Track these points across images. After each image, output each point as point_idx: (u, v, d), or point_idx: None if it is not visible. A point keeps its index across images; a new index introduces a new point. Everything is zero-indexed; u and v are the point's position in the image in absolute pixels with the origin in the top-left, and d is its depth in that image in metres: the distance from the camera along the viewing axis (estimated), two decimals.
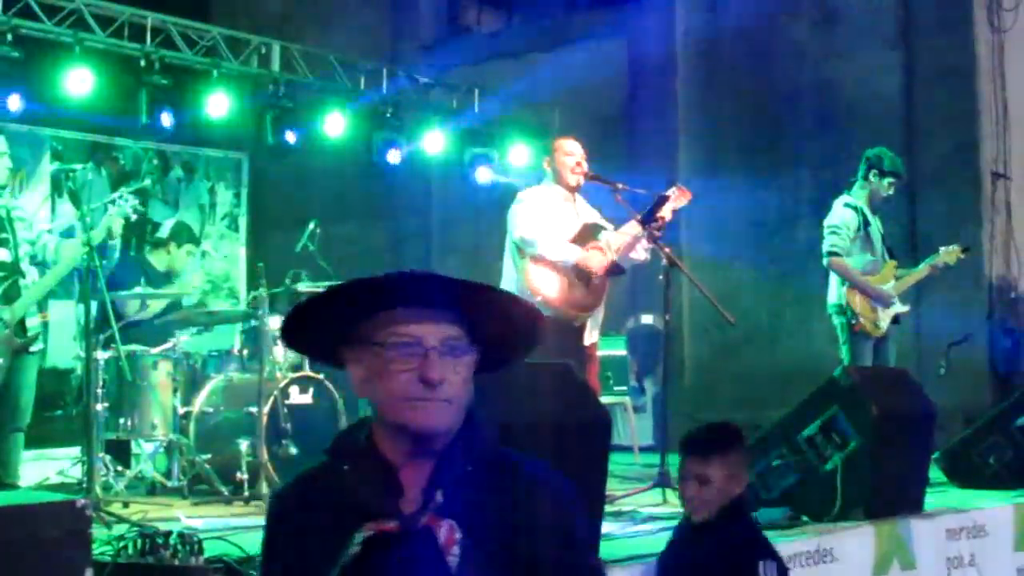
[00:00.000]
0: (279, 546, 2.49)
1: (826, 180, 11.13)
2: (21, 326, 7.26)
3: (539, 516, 2.46)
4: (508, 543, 2.40)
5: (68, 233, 10.58)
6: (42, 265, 7.62)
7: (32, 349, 7.39)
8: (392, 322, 2.40)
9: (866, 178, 8.78)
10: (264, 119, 10.73)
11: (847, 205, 8.74)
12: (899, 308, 8.75)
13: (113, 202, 7.49)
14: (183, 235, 9.60)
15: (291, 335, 2.58)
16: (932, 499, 7.05)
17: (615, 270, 7.62)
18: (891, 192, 8.86)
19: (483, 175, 12.54)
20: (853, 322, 8.52)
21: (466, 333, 2.45)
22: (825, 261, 8.66)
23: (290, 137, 10.78)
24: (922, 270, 8.90)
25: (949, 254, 8.88)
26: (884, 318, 8.63)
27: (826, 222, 8.75)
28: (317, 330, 2.52)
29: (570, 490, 2.56)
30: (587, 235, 7.55)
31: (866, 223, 8.71)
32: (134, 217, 7.68)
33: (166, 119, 9.75)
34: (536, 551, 2.43)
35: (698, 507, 4.63)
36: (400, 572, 2.36)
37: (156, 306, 8.94)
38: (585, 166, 7.68)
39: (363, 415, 2.57)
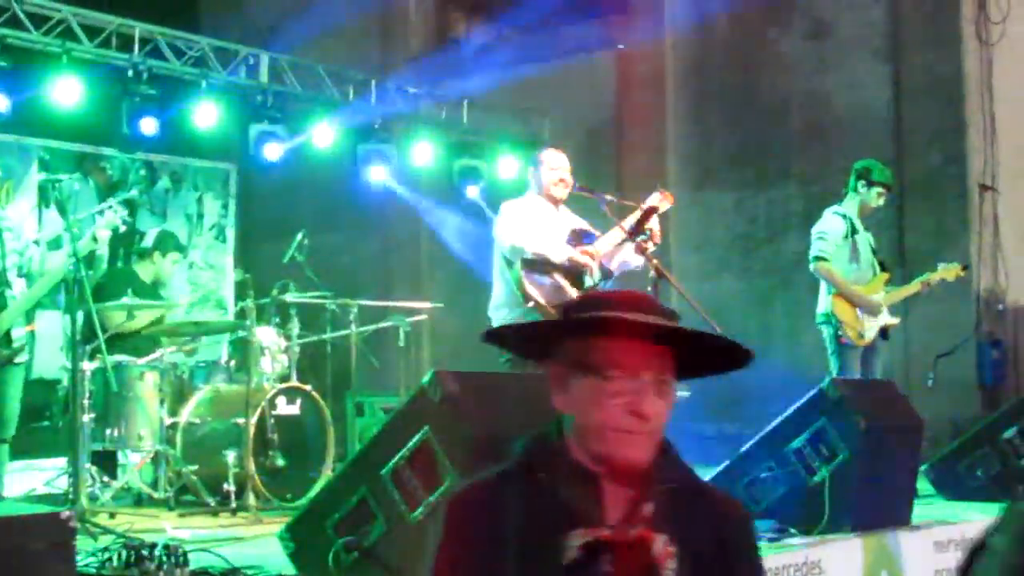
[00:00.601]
0: (464, 550, 2.45)
1: (814, 192, 11.17)
2: (6, 337, 7.22)
3: (733, 539, 2.55)
4: (709, 562, 2.47)
5: (55, 243, 10.55)
6: (28, 277, 7.58)
7: (17, 360, 7.34)
8: (611, 350, 2.44)
9: (855, 189, 8.81)
10: (249, 132, 10.73)
11: (836, 213, 8.79)
12: (888, 320, 8.75)
13: (101, 212, 7.44)
14: (168, 244, 9.53)
15: (502, 337, 2.77)
16: (920, 511, 7.05)
17: (604, 275, 7.63)
18: (880, 203, 8.88)
19: (471, 192, 12.56)
20: (839, 333, 8.53)
21: (675, 364, 2.50)
22: (812, 266, 8.70)
23: (272, 153, 10.76)
24: (913, 285, 8.91)
25: (948, 271, 8.88)
26: (870, 328, 8.63)
27: (814, 229, 8.79)
28: (531, 340, 2.67)
29: (750, 515, 2.69)
30: (575, 241, 7.56)
31: (854, 232, 8.73)
32: (123, 228, 7.64)
33: (148, 126, 9.72)
34: (732, 572, 2.52)
35: None
36: None
37: (142, 319, 8.89)
38: (569, 180, 7.65)
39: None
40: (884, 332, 8.73)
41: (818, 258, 8.66)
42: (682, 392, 2.52)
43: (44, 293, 7.57)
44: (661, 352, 2.46)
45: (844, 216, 8.75)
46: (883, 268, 8.93)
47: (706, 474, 6.32)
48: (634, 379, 2.42)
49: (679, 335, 2.46)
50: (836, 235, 8.69)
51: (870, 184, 8.77)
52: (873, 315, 8.65)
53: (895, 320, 8.83)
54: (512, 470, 2.52)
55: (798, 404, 6.65)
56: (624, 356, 2.43)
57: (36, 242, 8.96)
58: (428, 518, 4.56)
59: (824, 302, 8.68)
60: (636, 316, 2.43)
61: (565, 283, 7.44)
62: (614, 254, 7.62)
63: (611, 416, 2.41)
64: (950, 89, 11.66)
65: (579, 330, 2.48)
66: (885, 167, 8.97)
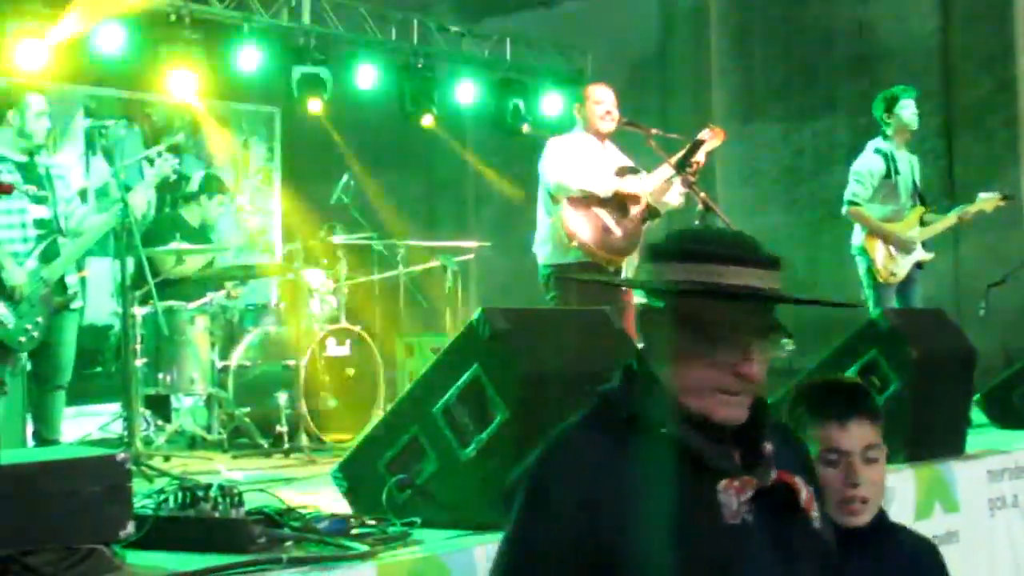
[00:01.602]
0: (579, 512, 2.27)
1: (861, 124, 11.03)
2: (60, 283, 7.28)
3: (814, 471, 2.60)
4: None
5: (103, 191, 10.61)
6: (72, 231, 7.60)
7: (72, 306, 7.42)
8: (718, 313, 2.32)
9: (886, 122, 8.69)
10: (291, 77, 10.74)
11: (876, 151, 8.70)
12: (922, 255, 8.72)
13: (151, 161, 7.46)
14: (213, 186, 9.55)
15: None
16: (973, 440, 7.00)
17: (651, 214, 7.61)
18: (914, 114, 8.71)
19: (526, 128, 12.60)
20: (871, 268, 8.56)
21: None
22: (844, 210, 8.68)
23: (314, 105, 10.80)
24: (950, 218, 8.84)
25: (987, 202, 8.79)
26: (902, 266, 8.62)
27: (852, 167, 8.73)
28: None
29: None
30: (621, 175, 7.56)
31: (895, 171, 8.65)
32: (173, 177, 7.67)
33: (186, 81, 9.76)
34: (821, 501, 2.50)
35: (862, 502, 3.18)
36: (775, 529, 2.35)
37: (192, 264, 8.93)
38: (616, 113, 7.66)
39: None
40: (919, 264, 8.71)
41: (851, 203, 8.63)
42: (787, 346, 2.42)
43: (95, 240, 7.62)
44: (766, 308, 2.37)
45: (885, 155, 8.66)
46: (922, 202, 8.85)
47: None
48: (740, 342, 2.32)
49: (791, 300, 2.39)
50: (873, 176, 8.63)
51: (892, 108, 8.66)
52: (906, 253, 8.63)
53: (929, 256, 8.80)
54: (616, 420, 2.37)
55: (849, 336, 6.61)
56: (731, 317, 2.31)
57: (83, 191, 9.00)
58: (480, 455, 4.58)
59: (858, 236, 8.69)
60: (749, 281, 2.29)
61: (610, 221, 7.43)
62: (662, 193, 7.60)
63: (713, 377, 2.31)
64: (999, 15, 11.50)
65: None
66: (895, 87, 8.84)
